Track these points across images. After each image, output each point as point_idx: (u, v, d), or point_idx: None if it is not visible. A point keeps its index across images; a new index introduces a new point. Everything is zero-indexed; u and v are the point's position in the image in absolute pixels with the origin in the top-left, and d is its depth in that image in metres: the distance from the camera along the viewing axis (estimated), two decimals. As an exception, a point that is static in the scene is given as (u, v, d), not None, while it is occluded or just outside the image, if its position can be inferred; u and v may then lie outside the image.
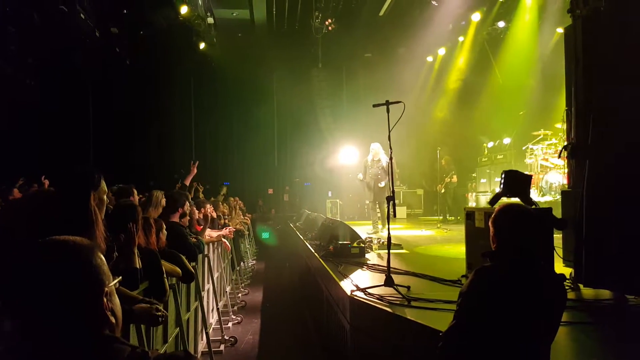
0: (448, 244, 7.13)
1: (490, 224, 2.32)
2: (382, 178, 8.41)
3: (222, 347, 5.61)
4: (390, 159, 4.09)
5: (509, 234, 2.24)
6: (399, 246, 6.23)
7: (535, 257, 2.23)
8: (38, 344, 1.22)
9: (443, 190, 11.68)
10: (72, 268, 1.23)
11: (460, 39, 13.66)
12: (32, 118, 13.26)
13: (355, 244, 5.58)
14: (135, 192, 4.91)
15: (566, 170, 6.24)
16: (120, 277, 1.40)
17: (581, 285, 3.72)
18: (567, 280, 3.77)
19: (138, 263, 2.62)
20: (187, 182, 6.55)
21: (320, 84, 16.69)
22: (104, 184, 2.33)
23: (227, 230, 7.26)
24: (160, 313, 2.70)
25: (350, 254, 5.40)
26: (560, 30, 10.60)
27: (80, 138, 14.91)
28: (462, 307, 2.21)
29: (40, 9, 10.33)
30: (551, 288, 2.18)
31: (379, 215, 8.64)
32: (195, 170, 6.55)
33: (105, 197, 2.32)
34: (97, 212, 2.18)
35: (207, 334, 4.96)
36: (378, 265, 4.88)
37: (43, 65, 12.48)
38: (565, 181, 8.09)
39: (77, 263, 1.24)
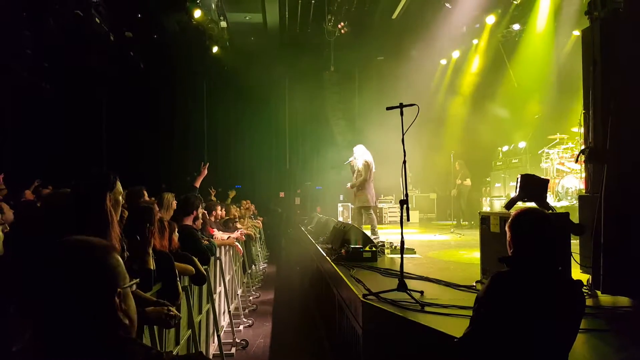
0: (462, 249, 7.05)
1: (507, 228, 2.28)
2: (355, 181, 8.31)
3: (233, 350, 5.61)
4: (404, 162, 4.04)
5: (526, 238, 2.21)
6: (412, 251, 6.18)
7: (552, 263, 2.19)
8: (51, 342, 1.22)
9: (456, 194, 11.59)
10: (85, 267, 1.23)
11: (475, 41, 13.56)
12: (47, 121, 13.44)
13: (367, 248, 5.53)
14: (146, 193, 4.93)
15: (583, 174, 6.15)
16: (138, 280, 1.40)
17: (599, 292, 3.65)
18: (584, 287, 3.69)
19: (152, 264, 2.63)
20: (197, 184, 6.53)
21: (333, 88, 16.68)
22: (119, 186, 2.34)
23: (239, 232, 7.28)
24: (173, 314, 2.71)
25: (362, 258, 5.36)
26: (576, 32, 10.46)
27: (94, 140, 15.08)
28: (479, 313, 2.18)
29: (55, 13, 10.49)
30: (568, 294, 2.14)
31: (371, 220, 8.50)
32: (206, 172, 6.52)
33: (120, 198, 2.33)
34: (113, 213, 2.20)
35: (218, 336, 4.96)
36: (390, 269, 4.84)
37: (58, 68, 12.66)
38: (581, 186, 7.97)
39: (90, 262, 1.24)
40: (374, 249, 5.57)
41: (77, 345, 1.25)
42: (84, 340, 1.25)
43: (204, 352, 4.61)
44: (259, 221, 12.92)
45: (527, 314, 2.06)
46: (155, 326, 2.78)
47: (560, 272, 2.28)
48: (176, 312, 2.79)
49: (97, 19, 10.97)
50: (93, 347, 1.25)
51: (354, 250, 5.43)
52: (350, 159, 8.69)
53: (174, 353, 3.25)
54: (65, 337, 1.26)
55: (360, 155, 8.43)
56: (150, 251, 2.70)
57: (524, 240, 2.21)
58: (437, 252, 6.79)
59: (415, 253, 6.20)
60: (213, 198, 9.19)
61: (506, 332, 2.07)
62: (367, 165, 8.25)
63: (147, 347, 1.29)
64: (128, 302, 1.30)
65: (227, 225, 8.03)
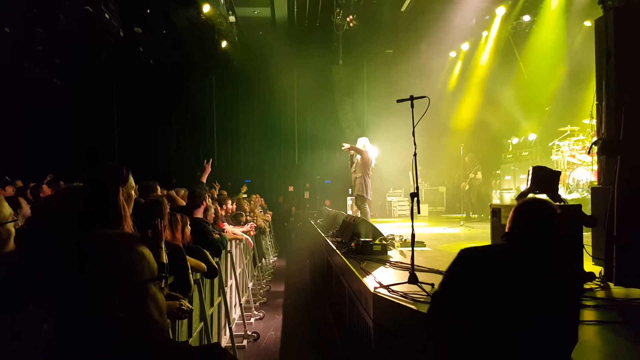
0: (472, 242, 7.03)
1: (512, 211, 2.24)
2: (355, 173, 8.48)
3: (244, 342, 5.66)
4: (414, 155, 4.03)
5: (524, 221, 2.15)
6: (422, 244, 6.16)
7: (548, 246, 2.09)
8: (76, 335, 1.24)
9: (467, 187, 11.54)
10: (114, 260, 1.25)
11: (484, 33, 13.44)
12: (59, 117, 13.58)
13: (377, 241, 5.53)
14: (159, 188, 4.98)
15: (594, 166, 6.09)
16: (166, 274, 1.42)
17: (611, 284, 3.62)
18: (596, 279, 3.67)
19: (164, 258, 2.65)
20: (204, 180, 6.68)
21: (341, 82, 16.63)
22: (132, 180, 2.36)
23: (250, 226, 7.32)
24: (185, 308, 2.74)
25: (372, 251, 5.35)
26: (588, 23, 10.33)
27: (105, 135, 15.22)
28: (445, 279, 2.19)
29: (66, 10, 10.55)
30: (558, 276, 2.03)
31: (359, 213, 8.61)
32: (210, 168, 6.70)
33: (133, 192, 2.35)
34: (126, 207, 2.21)
35: (230, 329, 5.00)
36: (401, 262, 4.84)
37: (69, 65, 12.76)
38: (593, 178, 7.89)
39: (120, 254, 1.26)
40: (384, 242, 5.57)
41: (103, 337, 1.27)
42: (110, 331, 1.27)
43: (216, 345, 4.66)
44: (269, 215, 12.97)
45: (502, 289, 1.98)
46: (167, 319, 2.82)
47: (554, 254, 2.13)
48: (188, 305, 2.82)
49: (106, 15, 11.01)
50: (117, 338, 1.27)
51: (364, 244, 5.43)
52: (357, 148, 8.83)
53: (187, 345, 3.30)
54: (90, 330, 1.28)
55: (362, 147, 8.60)
56: (163, 245, 2.73)
57: (521, 224, 2.16)
58: (448, 245, 6.78)
59: (425, 246, 6.19)
60: (224, 193, 9.25)
61: (479, 306, 2.00)
62: (368, 159, 8.44)
63: (167, 338, 1.32)
64: (157, 295, 1.32)
65: (237, 219, 8.08)
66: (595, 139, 4.03)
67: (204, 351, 2.20)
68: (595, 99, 4.01)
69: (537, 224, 2.13)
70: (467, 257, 2.18)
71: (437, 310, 2.19)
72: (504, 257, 2.12)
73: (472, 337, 2.01)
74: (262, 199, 13.52)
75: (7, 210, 2.18)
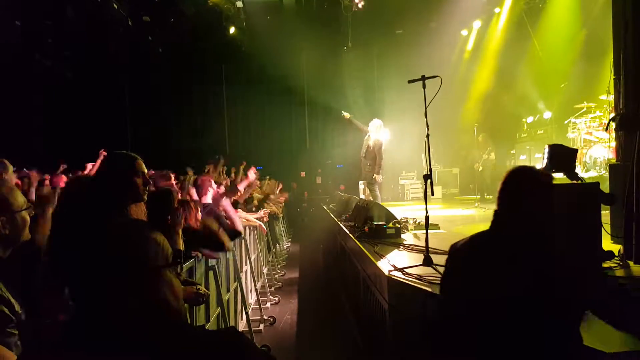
0: (487, 223, 6.96)
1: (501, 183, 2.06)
2: (366, 159, 8.48)
3: (261, 326, 5.73)
4: (427, 136, 3.97)
5: (509, 196, 1.98)
6: (436, 226, 6.11)
7: (535, 225, 1.94)
8: (95, 319, 1.25)
9: (481, 169, 11.41)
10: (132, 245, 1.26)
11: (497, 10, 13.15)
12: (71, 108, 13.70)
13: (390, 225, 5.50)
14: (173, 176, 5.02)
15: (613, 143, 5.96)
16: (181, 259, 1.42)
17: (631, 263, 3.56)
18: (616, 258, 3.61)
19: (181, 245, 2.67)
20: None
21: (351, 64, 16.47)
22: (144, 167, 2.37)
23: (263, 212, 7.35)
24: (202, 292, 2.77)
25: (386, 235, 5.33)
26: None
27: (117, 125, 15.34)
28: (442, 283, 2.12)
29: (74, 1, 10.56)
30: (545, 264, 1.84)
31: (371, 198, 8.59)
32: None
33: (145, 180, 2.35)
34: (138, 195, 2.22)
35: (246, 313, 5.06)
36: (415, 245, 4.81)
37: (79, 56, 12.82)
38: (610, 155, 7.74)
39: (136, 240, 1.26)
40: (397, 225, 5.54)
41: (121, 321, 1.28)
42: (127, 316, 1.28)
43: (233, 329, 4.72)
44: (285, 195, 12.97)
45: (493, 281, 1.82)
46: (185, 304, 2.85)
47: (544, 239, 1.94)
48: (205, 290, 2.85)
49: (114, 5, 11.00)
50: (135, 321, 1.28)
51: (377, 227, 5.40)
52: (363, 128, 8.80)
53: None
54: (108, 313, 1.29)
55: (374, 131, 8.49)
56: (180, 232, 2.74)
57: (506, 198, 1.98)
58: (462, 226, 6.72)
59: (439, 228, 6.13)
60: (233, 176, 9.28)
61: (477, 301, 1.83)
62: (379, 145, 8.38)
63: (184, 322, 1.33)
64: (173, 280, 1.33)
65: (247, 204, 8.09)
66: (613, 114, 3.92)
67: (221, 334, 2.22)
68: (612, 73, 3.90)
69: (526, 198, 1.92)
70: (453, 256, 2.05)
71: (447, 316, 2.02)
72: (489, 247, 1.94)
73: (482, 340, 1.84)
74: (272, 180, 13.54)
75: (21, 198, 2.20)
